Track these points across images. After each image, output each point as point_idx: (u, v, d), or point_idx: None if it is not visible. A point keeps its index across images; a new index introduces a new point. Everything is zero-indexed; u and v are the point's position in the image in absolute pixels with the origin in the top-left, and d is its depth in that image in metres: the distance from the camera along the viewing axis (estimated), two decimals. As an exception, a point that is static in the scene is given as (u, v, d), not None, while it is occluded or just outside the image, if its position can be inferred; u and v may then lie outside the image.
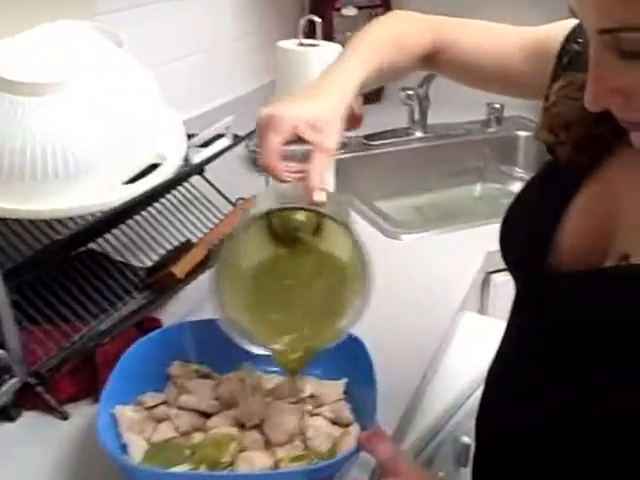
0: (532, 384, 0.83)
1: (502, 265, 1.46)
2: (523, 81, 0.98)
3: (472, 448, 1.19)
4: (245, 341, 0.84)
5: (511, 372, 0.88)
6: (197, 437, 0.89)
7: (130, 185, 1.04)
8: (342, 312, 0.84)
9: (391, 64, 0.98)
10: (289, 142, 0.83)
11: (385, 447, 0.83)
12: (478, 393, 1.23)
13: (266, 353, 0.86)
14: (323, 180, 0.81)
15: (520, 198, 0.89)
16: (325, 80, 0.90)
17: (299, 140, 0.83)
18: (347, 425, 0.92)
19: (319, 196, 0.79)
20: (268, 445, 0.88)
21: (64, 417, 1.01)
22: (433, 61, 1.02)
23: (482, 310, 1.50)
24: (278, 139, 0.82)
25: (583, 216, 0.79)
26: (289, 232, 0.83)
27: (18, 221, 1.08)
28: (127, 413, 0.91)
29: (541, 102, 0.89)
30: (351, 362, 0.98)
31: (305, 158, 0.83)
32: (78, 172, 0.98)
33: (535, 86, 0.94)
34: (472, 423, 1.20)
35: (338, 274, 0.84)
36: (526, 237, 0.84)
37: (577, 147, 0.80)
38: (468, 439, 1.20)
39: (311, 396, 0.95)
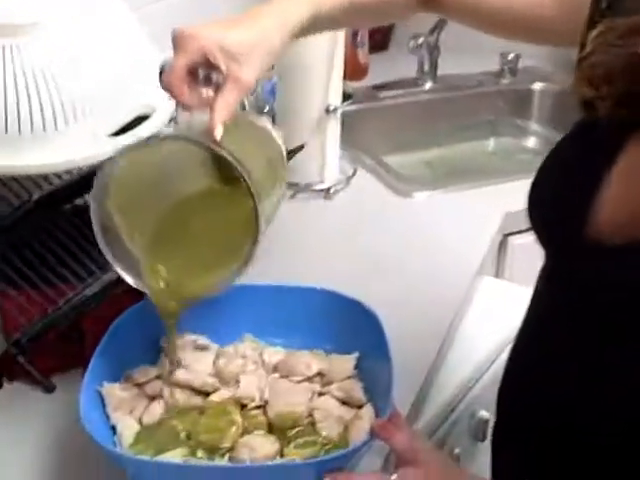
0: (560, 353, 0.77)
1: (521, 227, 1.38)
2: (545, 27, 0.88)
3: (490, 422, 1.12)
4: (118, 261, 0.80)
5: (539, 340, 0.82)
6: (193, 418, 0.80)
7: (116, 138, 0.94)
8: (229, 258, 0.78)
9: (377, 2, 0.88)
10: (203, 67, 0.76)
11: (402, 435, 0.74)
12: (497, 365, 1.15)
13: (139, 287, 0.80)
14: (231, 114, 0.75)
15: (551, 159, 0.80)
16: (264, 7, 0.81)
17: (212, 67, 0.76)
18: (359, 406, 0.83)
19: (218, 132, 0.73)
20: (272, 428, 0.80)
21: (49, 390, 0.93)
22: (434, 1, 0.91)
23: (498, 274, 1.41)
24: (184, 59, 0.75)
25: (626, 182, 0.71)
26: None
27: (-5, 176, 0.98)
28: (115, 391, 0.82)
29: (564, 51, 0.79)
30: (361, 335, 0.89)
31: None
32: (58, 124, 0.88)
33: (560, 32, 0.85)
34: (491, 396, 1.12)
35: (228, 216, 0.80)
36: (560, 204, 0.76)
37: (619, 102, 0.70)
38: (487, 413, 1.12)
39: (318, 373, 0.86)
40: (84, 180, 0.99)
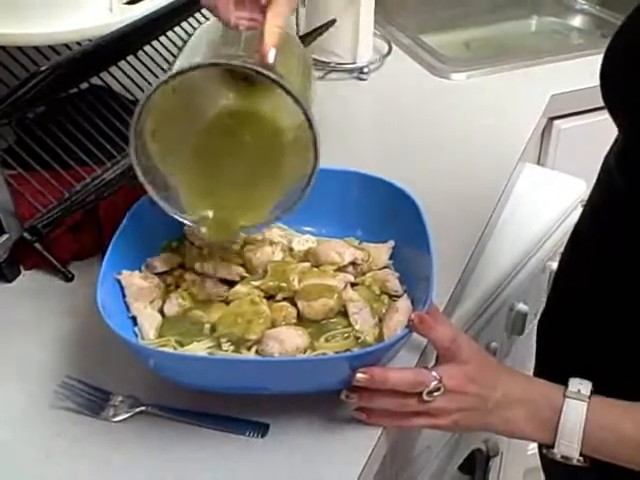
0: (627, 237, 0.72)
1: (568, 110, 1.30)
2: None
3: (529, 316, 1.08)
4: (164, 202, 0.74)
5: (604, 225, 0.77)
6: (218, 309, 0.75)
7: (133, 6, 0.86)
8: (280, 186, 0.75)
9: None
10: None
11: (444, 330, 0.69)
12: (538, 256, 1.09)
13: (188, 223, 0.76)
14: (281, 35, 0.67)
15: (630, 22, 0.72)
16: None
17: None
18: (395, 298, 0.77)
19: (271, 57, 0.66)
20: (302, 321, 0.74)
21: (68, 278, 0.89)
22: None
23: (540, 161, 1.33)
24: None
25: None
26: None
27: (3, 49, 0.91)
28: (135, 279, 0.77)
29: None
30: (398, 222, 0.83)
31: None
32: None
33: None
34: (530, 289, 1.08)
35: (278, 140, 0.74)
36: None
37: None
38: (525, 306, 1.07)
39: (352, 263, 0.80)
40: (101, 55, 0.91)
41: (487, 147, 1.14)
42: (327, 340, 0.73)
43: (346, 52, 1.30)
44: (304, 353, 0.71)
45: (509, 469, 1.30)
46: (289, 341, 0.71)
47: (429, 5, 1.72)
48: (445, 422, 0.70)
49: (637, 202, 0.70)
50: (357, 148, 1.14)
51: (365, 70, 1.31)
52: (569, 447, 0.68)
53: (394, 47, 1.40)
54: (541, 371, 0.87)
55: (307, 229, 0.87)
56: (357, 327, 0.74)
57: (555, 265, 1.12)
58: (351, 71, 1.31)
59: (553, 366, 0.84)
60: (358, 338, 0.73)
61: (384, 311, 0.76)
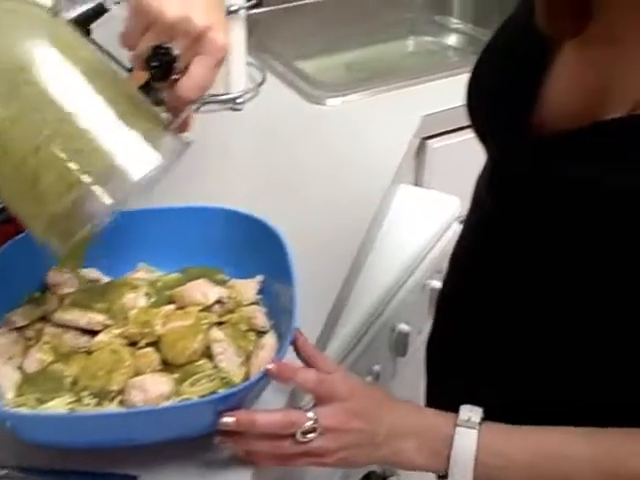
0: (502, 268, 0.72)
1: (439, 129, 1.32)
2: None
3: (411, 335, 1.09)
4: None
5: (479, 255, 0.77)
6: (80, 361, 0.73)
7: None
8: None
9: None
10: None
11: (305, 375, 0.68)
12: (416, 276, 1.10)
13: None
14: None
15: (492, 46, 0.74)
16: None
17: None
18: (262, 334, 0.77)
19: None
20: (166, 366, 0.73)
21: None
22: None
23: (417, 181, 1.35)
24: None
25: (575, 67, 0.65)
26: None
27: None
28: (-9, 337, 0.74)
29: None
30: (265, 256, 0.83)
31: None
32: None
33: None
34: (411, 309, 1.09)
35: None
36: (504, 96, 0.70)
37: None
38: (407, 326, 1.08)
39: (217, 301, 0.79)
40: None
41: (362, 171, 1.15)
42: (192, 384, 0.71)
43: (217, 82, 1.28)
44: (169, 400, 0.69)
45: (408, 488, 1.30)
46: (153, 389, 0.69)
47: (306, 30, 1.71)
48: (331, 461, 0.68)
49: (505, 225, 0.71)
50: (232, 183, 1.13)
51: (239, 100, 1.30)
52: (463, 476, 0.66)
53: (269, 75, 1.40)
54: (432, 396, 0.86)
55: (175, 268, 0.85)
56: (222, 367, 0.72)
57: (434, 283, 1.14)
58: (225, 102, 1.30)
59: (444, 390, 0.83)
60: (224, 379, 0.72)
61: (251, 348, 0.75)
